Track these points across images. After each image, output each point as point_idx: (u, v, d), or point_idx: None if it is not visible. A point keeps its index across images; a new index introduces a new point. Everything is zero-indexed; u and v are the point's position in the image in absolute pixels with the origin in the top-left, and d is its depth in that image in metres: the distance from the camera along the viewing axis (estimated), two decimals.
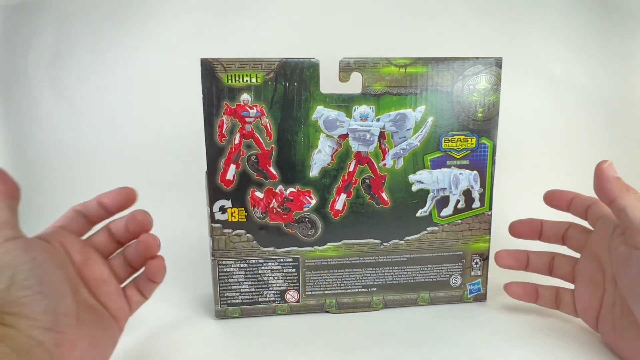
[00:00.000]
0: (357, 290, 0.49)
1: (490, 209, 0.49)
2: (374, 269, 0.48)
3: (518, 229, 0.47)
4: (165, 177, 0.63)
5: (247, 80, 0.43)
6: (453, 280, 0.50)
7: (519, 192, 0.56)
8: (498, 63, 0.46)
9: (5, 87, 0.63)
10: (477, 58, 0.45)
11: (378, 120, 0.45)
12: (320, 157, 0.45)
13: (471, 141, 0.47)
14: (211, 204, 0.45)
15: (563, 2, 0.55)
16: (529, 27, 0.56)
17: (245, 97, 0.43)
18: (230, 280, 0.46)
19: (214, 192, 0.44)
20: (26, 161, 0.64)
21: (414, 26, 0.56)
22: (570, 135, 0.58)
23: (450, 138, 0.47)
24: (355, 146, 0.45)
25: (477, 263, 0.50)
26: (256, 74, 0.42)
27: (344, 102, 0.44)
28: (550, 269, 0.45)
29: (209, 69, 0.42)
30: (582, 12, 0.54)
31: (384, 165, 0.46)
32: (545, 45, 0.56)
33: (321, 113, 0.44)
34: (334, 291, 0.48)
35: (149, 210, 0.39)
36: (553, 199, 0.45)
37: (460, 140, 0.47)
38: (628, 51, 0.54)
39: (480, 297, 0.51)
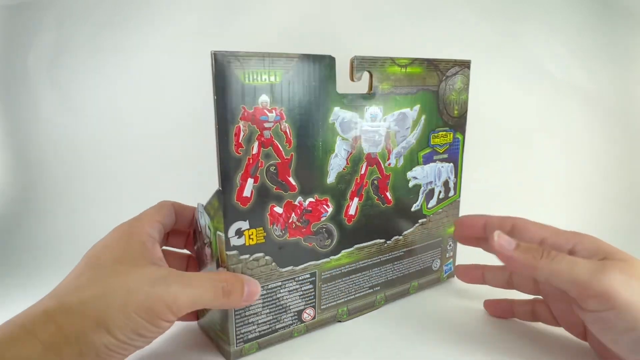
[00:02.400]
0: (365, 292, 0.48)
1: (459, 195, 0.54)
2: (378, 268, 0.48)
3: (463, 275, 0.48)
4: (165, 178, 0.62)
5: (265, 79, 0.36)
6: (434, 265, 0.54)
7: (520, 192, 0.57)
8: (468, 65, 0.51)
9: (5, 87, 0.63)
10: (455, 60, 0.49)
11: (384, 120, 0.45)
12: (337, 162, 0.42)
13: (449, 136, 0.51)
14: (226, 228, 0.37)
15: (563, 2, 0.55)
16: (529, 27, 0.56)
17: (263, 98, 0.36)
18: (247, 313, 0.40)
19: (230, 214, 0.37)
20: (26, 161, 0.64)
21: (413, 26, 0.55)
22: (570, 135, 0.58)
23: (436, 134, 0.50)
24: (366, 148, 0.44)
25: (450, 245, 0.55)
26: (275, 72, 0.37)
27: (359, 103, 0.42)
28: (511, 285, 0.43)
29: (224, 65, 0.34)
30: (582, 12, 0.55)
31: (389, 164, 0.46)
32: (545, 45, 0.56)
33: (338, 115, 0.41)
34: (346, 299, 0.46)
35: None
36: (464, 228, 0.42)
37: (443, 136, 0.51)
38: (628, 51, 0.55)
39: (451, 275, 0.57)
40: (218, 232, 0.37)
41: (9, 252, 0.56)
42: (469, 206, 0.53)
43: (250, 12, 0.58)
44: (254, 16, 0.58)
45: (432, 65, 0.47)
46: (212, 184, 0.70)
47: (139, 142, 0.61)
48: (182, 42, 0.59)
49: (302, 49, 0.61)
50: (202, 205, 0.39)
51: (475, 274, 0.47)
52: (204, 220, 0.39)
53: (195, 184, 0.58)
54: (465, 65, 0.50)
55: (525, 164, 0.59)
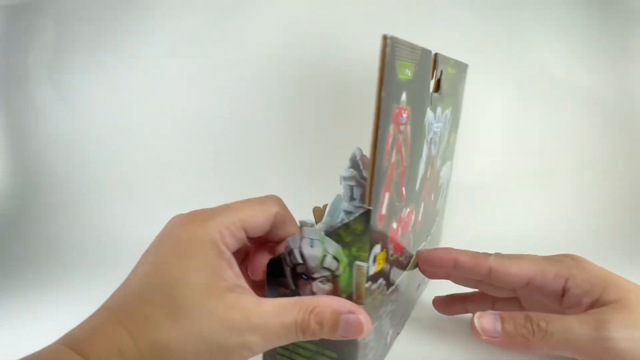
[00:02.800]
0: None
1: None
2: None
3: (442, 308, 0.42)
4: (165, 178, 0.62)
5: (407, 73, 0.30)
6: None
7: (518, 193, 0.58)
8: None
9: (5, 87, 0.64)
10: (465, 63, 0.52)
11: (439, 120, 0.44)
12: (422, 167, 0.39)
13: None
14: (369, 255, 0.30)
15: (563, 2, 0.55)
16: (529, 28, 0.56)
17: (404, 97, 0.31)
18: (365, 351, 0.33)
19: (372, 237, 0.30)
20: (26, 161, 0.65)
21: (413, 26, 0.52)
22: (570, 135, 0.58)
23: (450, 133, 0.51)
24: (432, 149, 0.42)
25: None
26: (411, 65, 0.31)
27: (435, 102, 0.40)
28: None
29: (392, 55, 0.27)
30: (582, 11, 0.55)
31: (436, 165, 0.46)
32: (545, 45, 0.56)
33: (426, 116, 0.38)
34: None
35: (145, 210, 0.44)
36: (429, 265, 0.36)
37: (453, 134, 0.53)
38: (628, 51, 0.55)
39: None
40: (357, 263, 0.30)
41: (9, 252, 0.56)
42: (469, 205, 0.57)
43: (250, 13, 0.58)
44: (254, 17, 0.58)
45: (461, 66, 0.48)
46: (215, 185, 0.60)
47: (139, 142, 0.61)
48: (182, 42, 0.59)
49: (301, 50, 0.55)
50: (318, 230, 0.30)
51: (457, 308, 0.41)
52: (318, 250, 0.31)
53: (196, 184, 0.60)
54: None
55: (525, 164, 0.59)
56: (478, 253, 0.33)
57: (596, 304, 0.26)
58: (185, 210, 0.29)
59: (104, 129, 0.62)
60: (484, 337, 0.27)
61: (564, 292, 0.29)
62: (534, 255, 0.31)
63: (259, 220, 0.28)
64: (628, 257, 0.51)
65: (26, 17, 0.62)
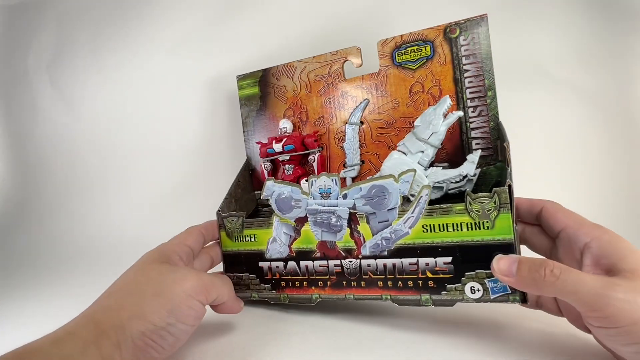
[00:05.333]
0: None
1: None
2: None
3: None
4: (164, 177, 0.61)
5: None
6: None
7: (519, 193, 0.50)
8: None
9: (5, 87, 0.64)
10: None
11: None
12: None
13: None
14: None
15: (563, 2, 0.54)
16: (529, 28, 0.54)
17: None
18: None
19: None
20: (26, 161, 0.65)
21: (412, 27, 0.45)
22: (571, 135, 0.58)
23: None
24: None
25: None
26: None
27: None
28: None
29: None
30: (582, 11, 0.55)
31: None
32: (545, 45, 0.55)
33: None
34: None
35: (145, 210, 0.44)
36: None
37: None
38: (628, 51, 0.55)
39: None
40: None
41: (9, 251, 0.57)
42: None
43: (251, 14, 0.56)
44: (255, 17, 0.56)
45: None
46: (212, 183, 0.56)
47: (138, 142, 0.61)
48: (182, 42, 0.58)
49: (301, 45, 0.50)
50: None
51: None
52: None
53: (195, 183, 0.59)
54: None
55: (524, 164, 0.55)
56: (534, 199, 0.36)
57: (613, 267, 0.28)
58: (183, 210, 0.41)
59: (104, 129, 0.62)
60: (499, 276, 0.30)
61: (586, 249, 0.30)
62: (580, 216, 0.33)
63: (195, 238, 0.37)
64: None
65: (26, 17, 0.62)
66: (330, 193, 0.32)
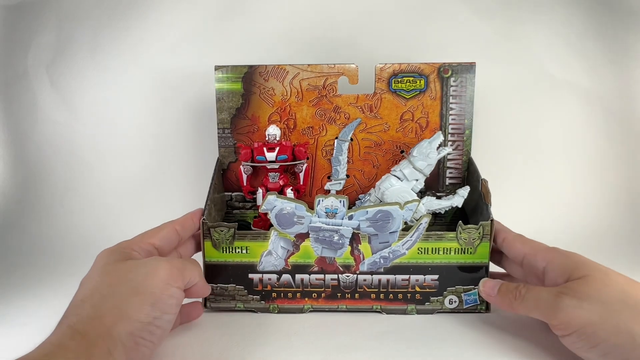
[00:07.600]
0: None
1: None
2: None
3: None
4: (164, 177, 0.61)
5: None
6: None
7: (519, 193, 0.58)
8: None
9: (5, 87, 0.63)
10: None
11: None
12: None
13: None
14: None
15: (563, 2, 0.55)
16: (529, 28, 0.56)
17: None
18: None
19: None
20: (26, 161, 0.65)
21: (412, 27, 0.51)
22: (571, 135, 0.59)
23: None
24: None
25: None
26: None
27: None
28: None
29: None
30: (583, 12, 0.55)
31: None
32: (546, 45, 0.57)
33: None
34: None
35: (145, 210, 0.45)
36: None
37: None
38: (628, 51, 0.55)
39: None
40: None
41: (8, 251, 0.58)
42: None
43: (250, 15, 0.57)
44: (255, 18, 0.57)
45: None
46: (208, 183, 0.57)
47: (138, 142, 0.62)
48: (182, 42, 0.59)
49: (300, 53, 0.55)
50: None
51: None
52: None
53: (194, 183, 0.59)
54: None
55: (524, 164, 0.59)
56: (503, 227, 0.39)
57: (569, 280, 0.31)
58: (185, 209, 0.37)
59: (103, 129, 0.62)
60: (484, 295, 0.35)
61: (545, 272, 0.34)
62: (540, 242, 0.36)
63: (164, 235, 0.36)
64: (629, 257, 0.52)
65: (26, 17, 0.61)
66: (336, 213, 0.33)
